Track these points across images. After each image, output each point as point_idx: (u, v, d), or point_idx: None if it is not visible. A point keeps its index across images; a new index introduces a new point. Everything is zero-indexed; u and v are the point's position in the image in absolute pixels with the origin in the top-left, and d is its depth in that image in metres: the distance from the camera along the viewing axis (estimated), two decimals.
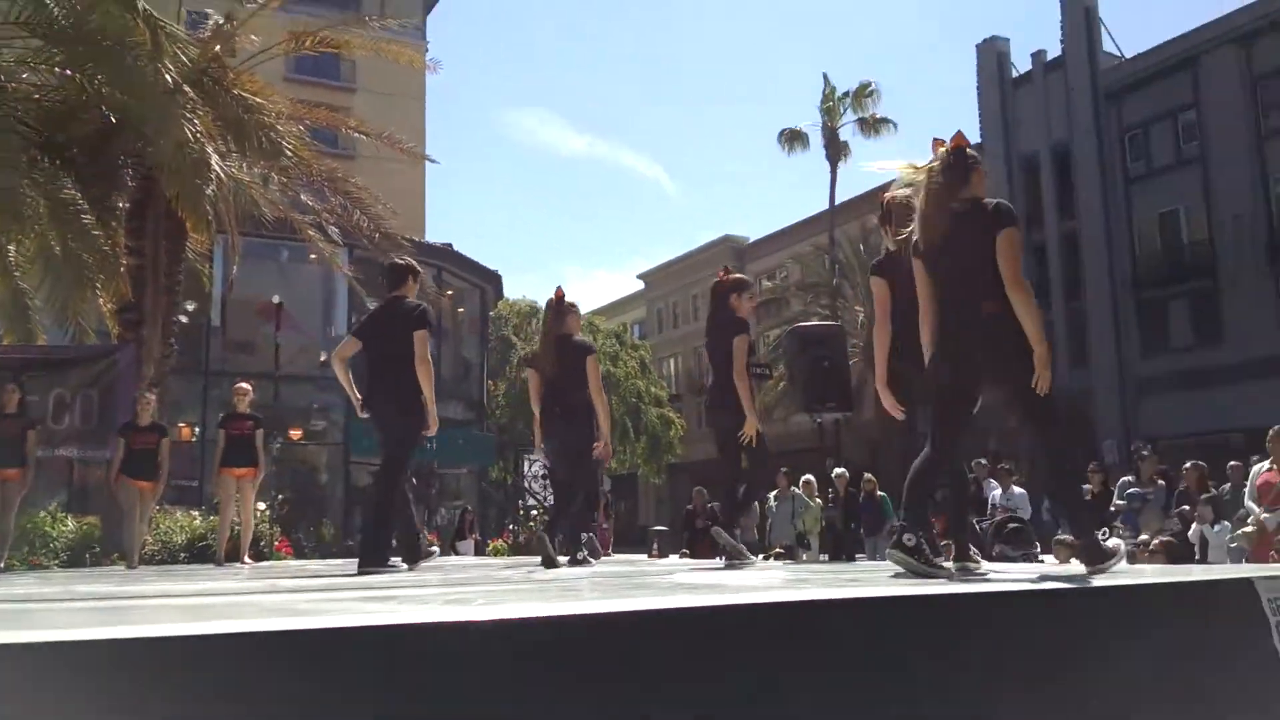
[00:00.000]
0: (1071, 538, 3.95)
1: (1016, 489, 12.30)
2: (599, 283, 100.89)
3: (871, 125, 31.58)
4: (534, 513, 17.65)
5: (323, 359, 22.35)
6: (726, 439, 5.90)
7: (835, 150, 31.80)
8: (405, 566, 6.02)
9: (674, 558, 12.59)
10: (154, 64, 10.04)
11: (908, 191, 4.01)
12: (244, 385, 9.69)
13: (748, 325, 5.99)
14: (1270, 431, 7.93)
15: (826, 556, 12.46)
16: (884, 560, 4.93)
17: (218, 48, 11.81)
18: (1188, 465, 10.33)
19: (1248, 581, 3.07)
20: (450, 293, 24.16)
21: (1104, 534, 6.71)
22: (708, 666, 2.04)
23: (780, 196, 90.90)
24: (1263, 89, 25.16)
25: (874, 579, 3.88)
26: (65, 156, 11.15)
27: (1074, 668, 2.56)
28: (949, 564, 4.13)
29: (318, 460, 23.09)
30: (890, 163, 4.07)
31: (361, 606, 2.97)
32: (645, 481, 38.13)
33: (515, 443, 26.10)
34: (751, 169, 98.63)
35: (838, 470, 13.54)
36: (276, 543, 12.60)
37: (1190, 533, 9.09)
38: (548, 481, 15.81)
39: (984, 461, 14.47)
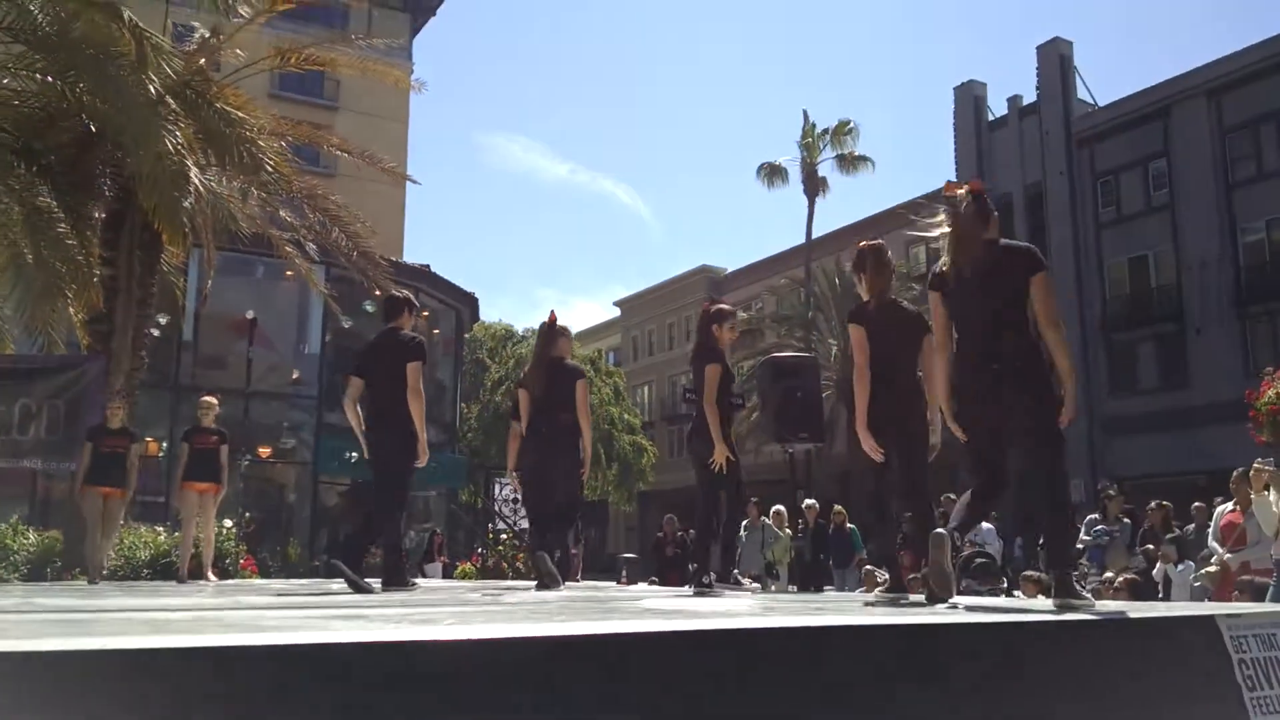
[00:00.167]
0: (1045, 570, 4.01)
1: (984, 524, 12.37)
2: (576, 309, 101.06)
3: (850, 162, 31.95)
4: (503, 536, 17.53)
5: (295, 376, 22.21)
6: (702, 467, 5.94)
7: (813, 186, 32.12)
8: (415, 584, 6.34)
9: (643, 585, 12.56)
10: (137, 75, 10.00)
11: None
12: (209, 399, 9.55)
13: (722, 355, 6.03)
14: (1234, 473, 8.04)
15: (795, 587, 12.47)
16: (852, 591, 4.99)
17: (202, 61, 11.79)
18: (1152, 505, 10.45)
19: (1210, 619, 3.12)
20: (425, 314, 24.08)
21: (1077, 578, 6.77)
22: (675, 689, 2.04)
23: (758, 229, 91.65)
24: (1231, 140, 25.69)
25: (841, 608, 3.90)
26: (42, 164, 11.05)
27: (1038, 700, 2.58)
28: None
29: (286, 479, 22.87)
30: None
31: (328, 624, 2.95)
32: (616, 508, 38.01)
33: (486, 465, 25.96)
34: (730, 201, 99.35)
35: (808, 501, 13.59)
36: (242, 561, 12.44)
37: (1154, 571, 9.19)
38: (518, 505, 15.72)
39: (952, 497, 14.57)
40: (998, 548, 11.94)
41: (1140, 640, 3.03)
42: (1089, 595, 3.85)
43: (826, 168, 32.20)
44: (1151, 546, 9.69)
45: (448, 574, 15.83)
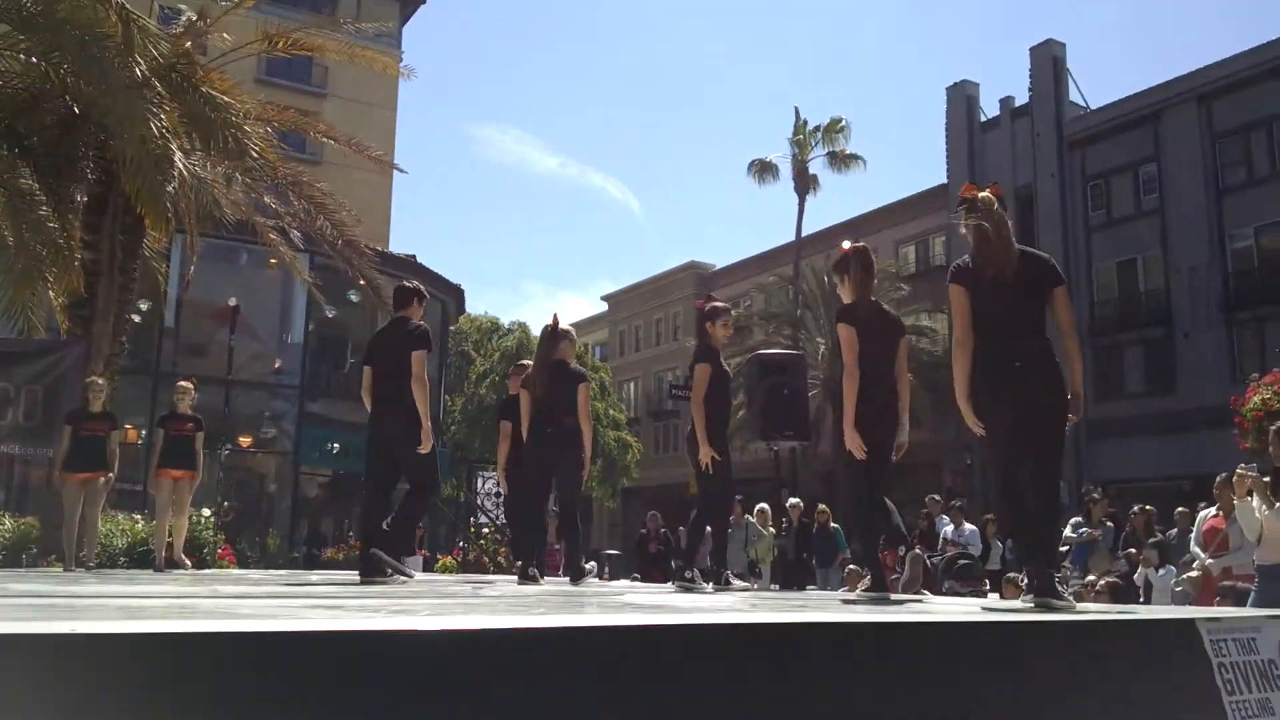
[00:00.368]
0: (1027, 573, 4.01)
1: (968, 526, 12.41)
2: (563, 303, 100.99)
3: (841, 160, 31.98)
4: (485, 530, 17.47)
5: (277, 366, 22.08)
6: (699, 466, 5.95)
7: (804, 183, 32.14)
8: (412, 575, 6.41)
9: (625, 581, 12.51)
10: (123, 57, 9.89)
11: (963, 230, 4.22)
12: (185, 384, 9.39)
13: (715, 354, 6.02)
14: (1217, 479, 8.04)
15: (777, 586, 12.44)
16: (834, 590, 4.99)
17: (188, 44, 11.67)
18: (1135, 509, 10.47)
19: (1190, 622, 3.13)
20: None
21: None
22: (654, 683, 2.03)
23: (747, 226, 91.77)
24: (1222, 146, 25.80)
25: (823, 606, 3.87)
26: (24, 146, 10.93)
27: (1019, 701, 2.57)
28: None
29: (266, 469, 22.76)
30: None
31: (305, 613, 2.92)
32: (599, 504, 38.01)
33: (469, 459, 25.89)
34: (720, 197, 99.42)
35: (792, 500, 13.58)
36: (219, 551, 12.34)
37: (1136, 575, 9.19)
38: (500, 500, 15.65)
39: (937, 498, 14.60)
40: (978, 549, 11.94)
41: (1121, 643, 3.03)
42: (1069, 597, 3.83)
43: (817, 165, 32.28)
44: (1134, 550, 9.71)
45: (428, 567, 15.74)
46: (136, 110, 9.67)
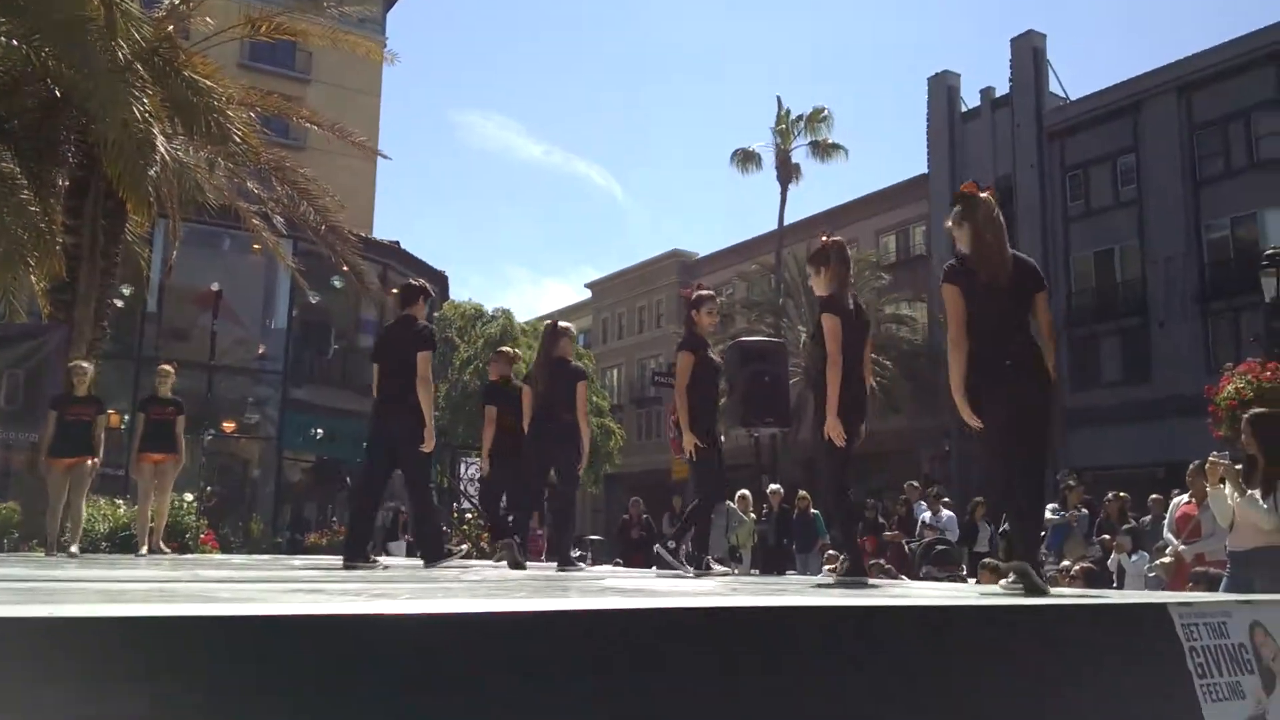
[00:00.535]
0: (1008, 556, 4.11)
1: (945, 511, 12.53)
2: (546, 290, 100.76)
3: (823, 150, 32.00)
4: (468, 516, 17.47)
5: (260, 351, 21.97)
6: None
7: (787, 172, 32.15)
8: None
9: (608, 566, 12.58)
10: (105, 40, 9.81)
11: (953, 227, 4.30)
12: (166, 367, 9.29)
13: (700, 342, 6.06)
14: (1190, 466, 8.16)
15: (758, 571, 12.54)
16: (815, 575, 5.07)
17: (171, 28, 11.59)
18: (1109, 496, 10.60)
19: (1162, 607, 3.18)
20: (395, 291, 23.87)
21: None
22: (633, 666, 2.05)
23: (730, 214, 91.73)
24: (1199, 137, 25.97)
25: (802, 591, 3.94)
26: (5, 129, 10.85)
27: (993, 682, 2.62)
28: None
29: (250, 454, 22.68)
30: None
31: (285, 598, 2.94)
32: (583, 491, 38.01)
33: (452, 445, 25.87)
34: (704, 186, 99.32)
35: (772, 486, 13.66)
36: (202, 536, 12.33)
37: (1109, 561, 9.32)
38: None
39: (915, 484, 14.73)
40: (955, 534, 12.06)
41: (1094, 627, 3.08)
42: (1044, 584, 3.91)
43: (800, 155, 32.29)
44: (1108, 536, 9.84)
45: (411, 552, 15.76)
46: (119, 94, 9.62)
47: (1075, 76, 76.09)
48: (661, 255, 43.10)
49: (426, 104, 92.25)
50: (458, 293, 32.39)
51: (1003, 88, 30.47)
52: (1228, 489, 5.96)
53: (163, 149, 10.13)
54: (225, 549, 13.69)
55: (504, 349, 8.95)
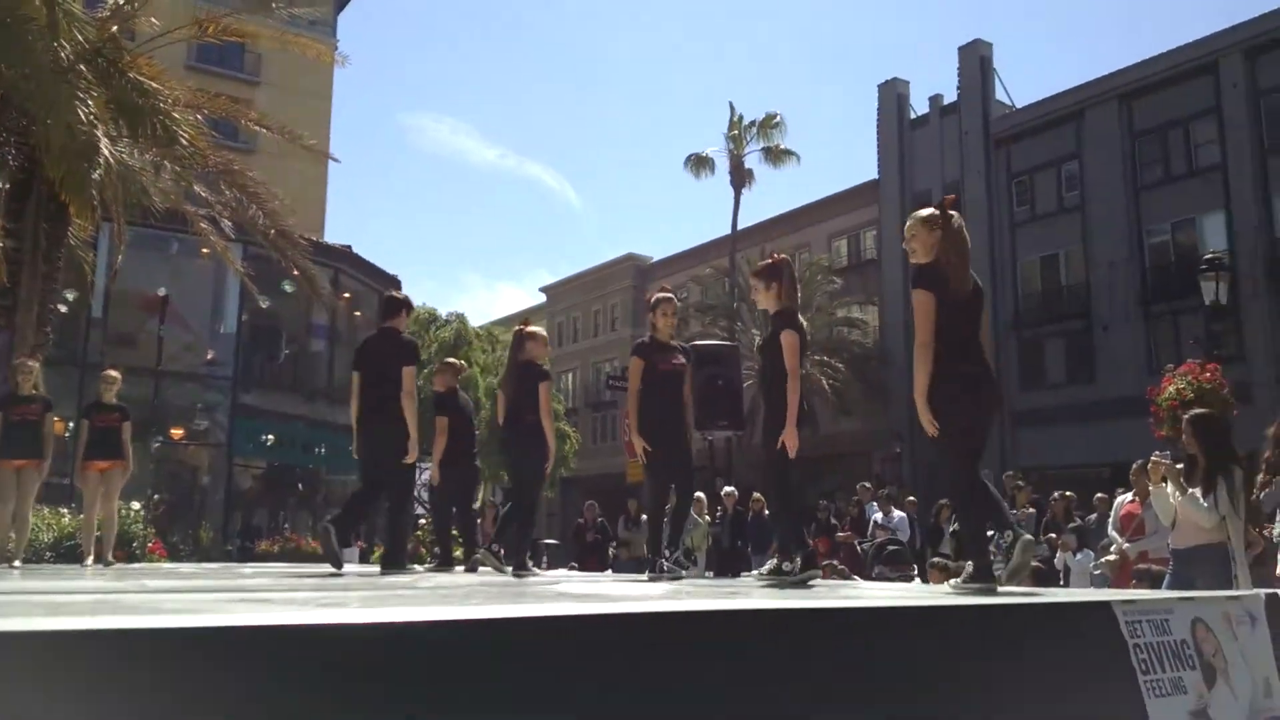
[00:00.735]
0: (972, 561, 4.24)
1: (897, 512, 12.66)
2: (501, 294, 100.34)
3: (775, 155, 32.21)
4: (421, 521, 17.36)
5: (209, 357, 21.64)
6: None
7: (740, 177, 32.33)
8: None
9: (563, 570, 12.56)
10: (47, 41, 9.61)
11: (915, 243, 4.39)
12: (112, 373, 8.97)
13: (649, 347, 6.05)
14: (1134, 466, 8.32)
15: (712, 573, 12.58)
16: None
17: (115, 28, 11.38)
18: (1055, 495, 10.79)
19: (1106, 605, 3.23)
20: (346, 295, 23.67)
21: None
22: (585, 673, 2.05)
23: (685, 219, 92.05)
24: (1140, 145, 26.54)
25: (750, 593, 3.96)
26: None
27: (939, 682, 2.65)
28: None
29: (199, 461, 22.30)
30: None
31: (230, 608, 2.89)
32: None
33: None
34: (658, 190, 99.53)
35: (727, 489, 13.70)
36: (150, 544, 12.11)
37: (1055, 560, 9.49)
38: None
39: (868, 485, 14.89)
40: (906, 535, 12.20)
41: (1039, 625, 3.12)
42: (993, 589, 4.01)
43: (753, 160, 32.47)
44: (1054, 535, 10.02)
45: (364, 558, 15.62)
46: (62, 96, 9.43)
47: (1021, 85, 77.50)
48: (616, 259, 43.12)
49: (378, 107, 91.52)
50: (411, 297, 32.07)
51: (951, 95, 30.93)
52: (1169, 488, 6.09)
53: (107, 152, 9.95)
54: (174, 558, 13.47)
55: (450, 360, 8.98)
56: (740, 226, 32.69)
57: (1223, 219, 24.64)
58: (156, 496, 15.25)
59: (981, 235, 28.39)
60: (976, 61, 30.02)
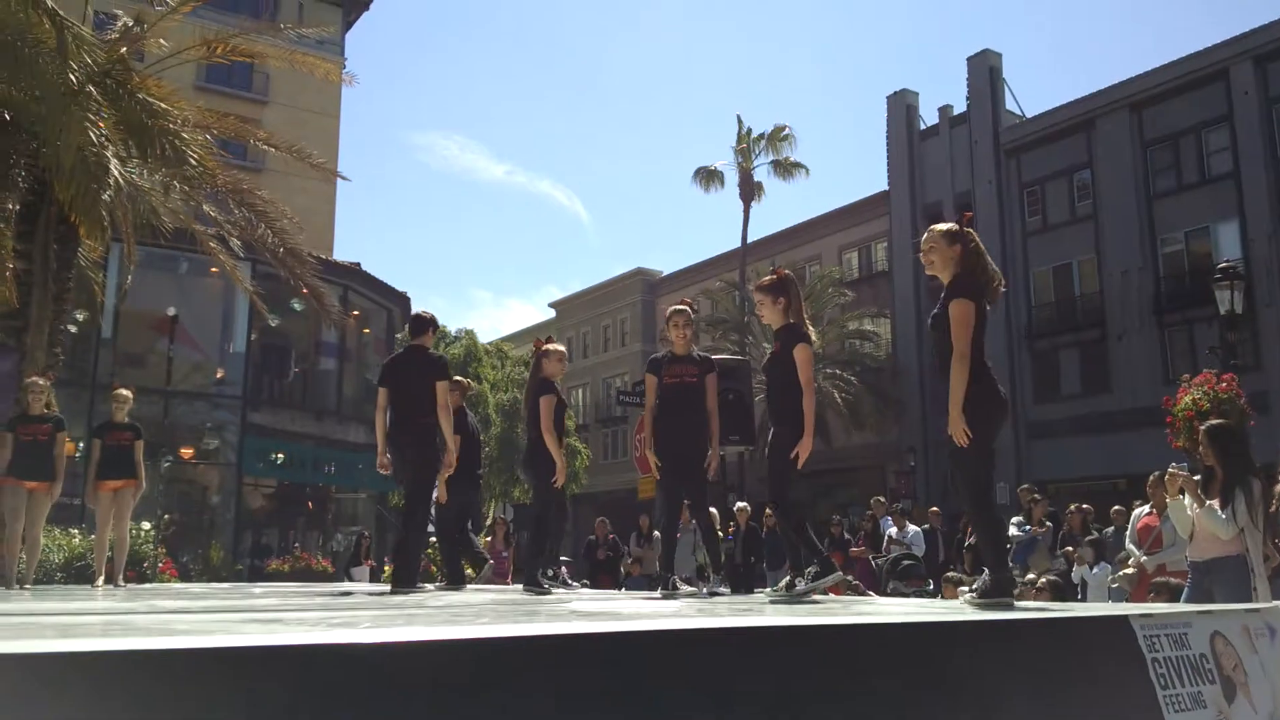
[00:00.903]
0: (992, 574, 4.18)
1: (911, 526, 12.56)
2: (510, 310, 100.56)
3: (785, 168, 32.25)
4: (432, 540, 17.33)
5: (219, 375, 21.68)
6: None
7: (749, 190, 32.36)
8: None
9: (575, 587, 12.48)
10: (58, 63, 9.66)
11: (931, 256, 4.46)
12: (124, 392, 8.95)
13: (658, 363, 6.02)
14: (1151, 477, 8.23)
15: (728, 589, 12.50)
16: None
17: (124, 50, 11.44)
18: (1071, 508, 10.68)
19: (1124, 619, 3.17)
20: (356, 313, 23.71)
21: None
22: (600, 692, 2.02)
23: (694, 233, 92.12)
24: (1152, 153, 26.47)
25: (764, 609, 3.91)
26: None
27: (957, 697, 2.60)
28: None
29: (209, 480, 22.31)
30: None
31: (242, 628, 2.87)
32: None
33: None
34: (667, 204, 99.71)
35: (739, 504, 13.63)
36: (160, 564, 12.10)
37: (1073, 573, 9.38)
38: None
39: (882, 499, 14.79)
40: (921, 549, 12.10)
41: (1057, 640, 3.07)
42: (1011, 604, 3.95)
43: (762, 173, 32.55)
44: (1071, 549, 9.91)
45: (375, 577, 15.58)
46: (72, 118, 9.45)
47: (1030, 94, 77.67)
48: (625, 274, 43.17)
49: (387, 125, 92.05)
50: (436, 316, 32.20)
51: (960, 106, 30.95)
52: (1187, 500, 6.02)
53: (117, 172, 9.97)
54: (185, 577, 13.46)
55: (458, 379, 8.99)
56: (750, 240, 32.73)
57: (1236, 227, 24.55)
58: (167, 516, 15.24)
59: (993, 245, 28.28)
60: (985, 72, 30.03)
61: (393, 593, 6.40)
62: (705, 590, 5.87)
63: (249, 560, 19.83)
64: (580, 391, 44.11)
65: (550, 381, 6.62)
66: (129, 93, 10.94)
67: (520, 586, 6.88)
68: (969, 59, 30.55)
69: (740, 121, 32.71)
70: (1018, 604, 4.10)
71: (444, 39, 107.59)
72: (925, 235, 4.46)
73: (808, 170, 32.42)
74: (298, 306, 18.10)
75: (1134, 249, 26.19)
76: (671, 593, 5.85)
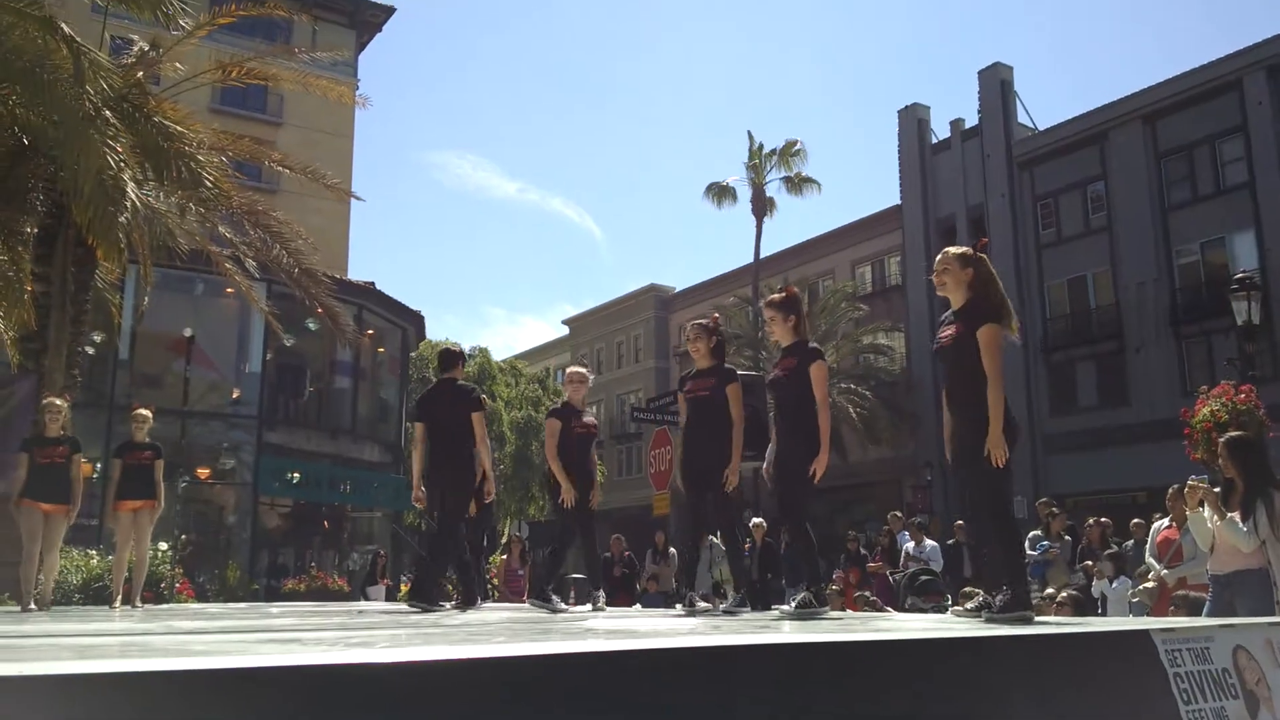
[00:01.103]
0: (1012, 589, 4.17)
1: (929, 541, 12.48)
2: (524, 327, 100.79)
3: (797, 183, 32.28)
4: None
5: (235, 395, 21.77)
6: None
7: (761, 205, 32.38)
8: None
9: (589, 605, 12.43)
10: (74, 88, 9.76)
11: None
12: (144, 411, 8.94)
13: (682, 380, 6.08)
14: (1170, 490, 8.17)
15: (747, 607, 12.43)
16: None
17: (140, 74, 11.57)
18: (1090, 522, 10.60)
19: (1145, 633, 3.14)
20: (370, 332, 23.80)
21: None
22: (617, 709, 2.02)
23: (707, 249, 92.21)
24: (1166, 164, 26.38)
25: (781, 627, 3.89)
26: None
27: (980, 714, 2.58)
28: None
29: (225, 500, 22.38)
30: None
31: (259, 648, 2.87)
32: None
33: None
34: (680, 220, 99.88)
35: (755, 520, 13.57)
36: (178, 585, 12.13)
37: (1093, 587, 9.30)
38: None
39: (899, 514, 14.71)
40: (939, 565, 12.02)
41: (1078, 654, 3.05)
42: (1028, 618, 3.93)
43: (774, 188, 32.57)
44: (1090, 563, 9.83)
45: (391, 596, 15.58)
46: (91, 143, 9.53)
47: (1042, 107, 77.49)
48: (638, 290, 43.23)
49: (400, 144, 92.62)
50: (434, 332, 32.27)
51: (972, 119, 30.93)
52: (1207, 512, 5.97)
53: (133, 195, 10.06)
54: (201, 598, 13.49)
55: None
56: (763, 255, 32.73)
57: (1253, 237, 24.41)
58: (184, 537, 15.28)
59: (1007, 258, 28.26)
60: (997, 85, 30.01)
61: (410, 611, 6.41)
62: (722, 608, 5.83)
63: (265, 580, 19.84)
64: (594, 408, 44.11)
65: (561, 407, 6.71)
66: (145, 116, 11.05)
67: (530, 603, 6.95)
68: (980, 72, 30.55)
69: (751, 137, 32.82)
70: (1037, 619, 4.07)
71: (455, 59, 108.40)
72: (939, 256, 4.52)
73: (820, 185, 32.46)
74: (313, 326, 18.19)
75: (1149, 261, 26.07)
76: (692, 610, 5.84)
